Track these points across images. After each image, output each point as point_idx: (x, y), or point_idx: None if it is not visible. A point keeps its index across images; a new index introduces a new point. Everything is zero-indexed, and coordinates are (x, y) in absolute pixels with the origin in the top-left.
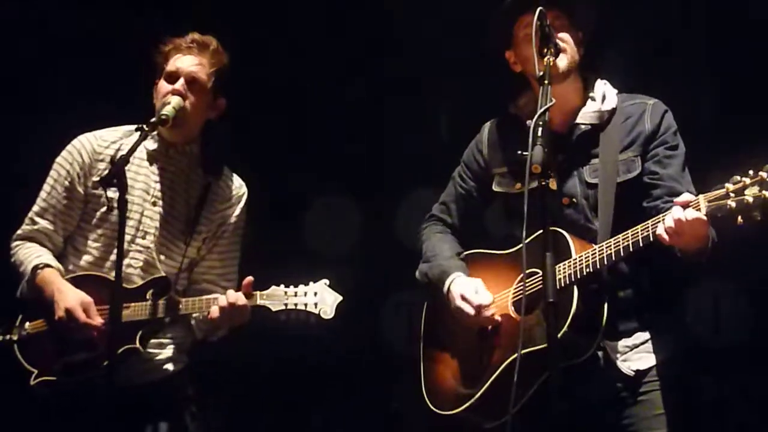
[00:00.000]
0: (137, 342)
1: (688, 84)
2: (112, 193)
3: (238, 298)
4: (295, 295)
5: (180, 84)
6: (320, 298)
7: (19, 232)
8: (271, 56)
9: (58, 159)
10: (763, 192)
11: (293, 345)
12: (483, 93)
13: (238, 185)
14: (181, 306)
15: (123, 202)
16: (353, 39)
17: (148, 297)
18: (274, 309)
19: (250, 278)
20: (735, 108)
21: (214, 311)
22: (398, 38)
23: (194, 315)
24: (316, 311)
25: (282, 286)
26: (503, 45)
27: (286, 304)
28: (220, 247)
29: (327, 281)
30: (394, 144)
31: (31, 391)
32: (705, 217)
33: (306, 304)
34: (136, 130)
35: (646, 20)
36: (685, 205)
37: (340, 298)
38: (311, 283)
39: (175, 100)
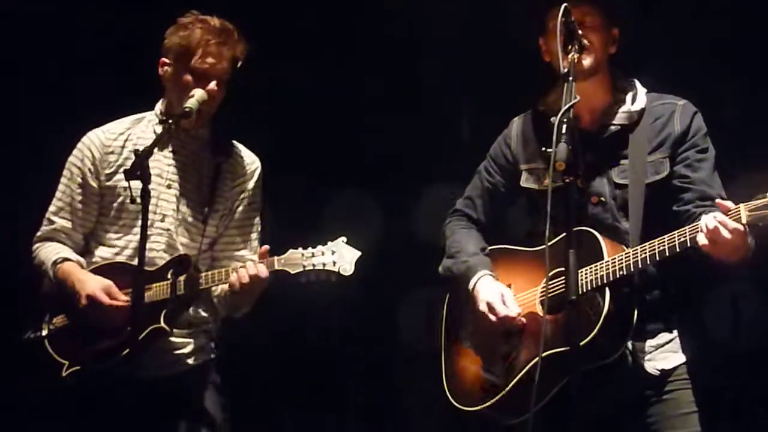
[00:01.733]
0: (162, 321)
1: (713, 85)
2: (135, 185)
3: (260, 270)
4: (313, 256)
5: (213, 86)
6: (338, 255)
7: (38, 234)
8: (289, 49)
9: (70, 158)
10: None
11: (313, 340)
12: (504, 89)
13: (251, 161)
14: (201, 280)
15: (146, 193)
16: (372, 32)
17: (168, 276)
18: (293, 272)
19: (265, 246)
20: (760, 111)
21: (234, 280)
22: (417, 35)
23: (215, 290)
24: (335, 269)
25: (300, 248)
26: (537, 32)
27: (304, 266)
28: (236, 222)
29: (345, 238)
30: (412, 138)
31: (64, 383)
32: (743, 228)
33: (324, 264)
34: (160, 122)
35: (672, 20)
36: (727, 210)
37: (359, 253)
38: (329, 242)
39: (199, 93)
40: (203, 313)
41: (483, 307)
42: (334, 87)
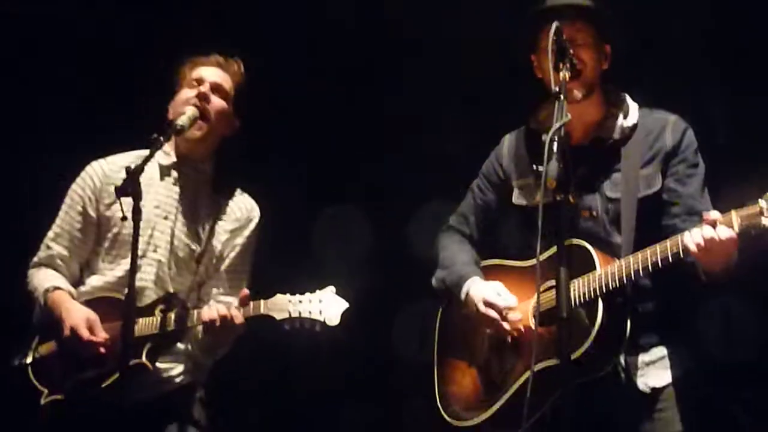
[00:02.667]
0: (144, 357)
1: (702, 102)
2: (126, 206)
3: (234, 314)
4: (300, 303)
5: (205, 87)
6: (326, 305)
7: (35, 258)
8: (282, 67)
9: (72, 186)
10: None
11: (305, 355)
12: (498, 105)
13: (250, 207)
14: (187, 319)
15: (137, 212)
16: (365, 50)
17: (156, 312)
18: (278, 318)
19: (245, 290)
20: (748, 128)
21: (205, 319)
22: (412, 49)
23: (192, 329)
24: (321, 318)
25: (287, 294)
26: (530, 48)
27: (290, 313)
28: (227, 268)
29: (333, 288)
30: (406, 153)
31: (42, 411)
32: (735, 236)
33: (311, 312)
34: (150, 140)
35: (665, 37)
36: (714, 223)
37: (347, 305)
38: (317, 291)
39: (190, 111)
40: (188, 347)
41: (481, 307)
42: (330, 105)
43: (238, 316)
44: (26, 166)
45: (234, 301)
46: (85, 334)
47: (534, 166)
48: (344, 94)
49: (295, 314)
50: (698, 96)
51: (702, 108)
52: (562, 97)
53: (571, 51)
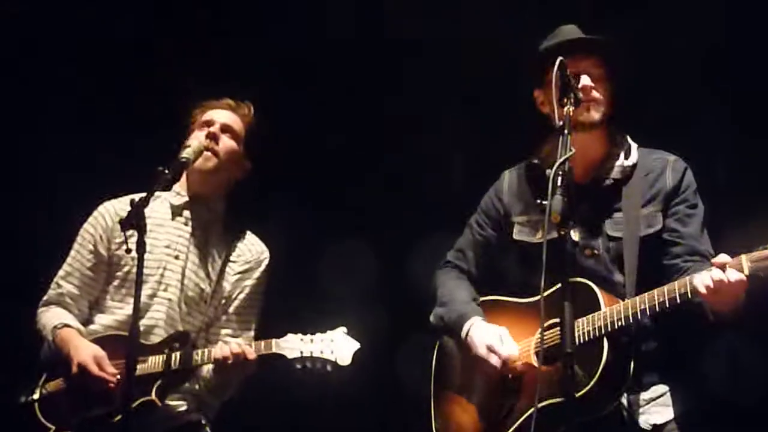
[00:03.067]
0: (153, 394)
1: (701, 143)
2: (131, 240)
3: (246, 350)
4: (312, 342)
5: (215, 128)
6: (337, 345)
7: (45, 297)
8: (281, 101)
9: (84, 225)
10: None
11: (308, 386)
12: (498, 138)
13: (260, 250)
14: (195, 357)
15: (142, 244)
16: (364, 80)
17: (165, 351)
18: (290, 357)
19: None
20: (746, 168)
21: (218, 357)
22: (412, 79)
23: (201, 369)
24: (332, 359)
25: (299, 334)
26: (532, 84)
27: (302, 352)
28: (236, 309)
29: (345, 329)
30: (408, 187)
31: None
32: (746, 278)
33: (322, 351)
34: (157, 172)
35: (663, 77)
36: (723, 266)
37: (358, 345)
38: (328, 331)
39: (195, 144)
40: (195, 386)
41: (482, 351)
42: (329, 137)
43: (251, 353)
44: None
45: (243, 341)
46: (94, 370)
47: (538, 201)
48: (347, 127)
49: (307, 353)
50: (699, 135)
51: (703, 147)
52: (566, 131)
53: (591, 84)
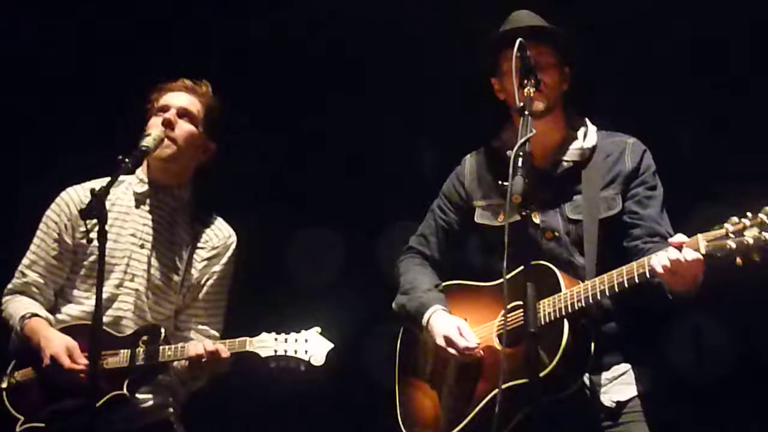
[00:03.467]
0: (125, 388)
1: (666, 120)
2: (93, 229)
3: (220, 349)
4: (286, 342)
5: (171, 113)
6: (311, 345)
7: (9, 286)
8: (253, 88)
9: (47, 212)
10: (763, 234)
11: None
12: (464, 124)
13: (227, 234)
14: (167, 353)
15: (103, 234)
16: (330, 65)
17: (139, 344)
18: (263, 355)
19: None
20: (708, 148)
21: (192, 355)
22: (377, 64)
23: (174, 363)
24: (306, 358)
25: (273, 333)
26: (490, 71)
27: (276, 351)
28: (205, 296)
29: (318, 329)
30: (378, 175)
31: None
32: (701, 258)
33: (296, 351)
34: (117, 162)
35: (626, 57)
36: (680, 246)
37: (332, 345)
38: (302, 331)
39: (155, 132)
40: (170, 378)
41: (441, 342)
42: (297, 126)
43: (225, 351)
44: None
45: (215, 330)
46: (66, 362)
47: (499, 182)
48: (315, 116)
49: (281, 352)
50: (661, 116)
51: (666, 128)
52: (527, 112)
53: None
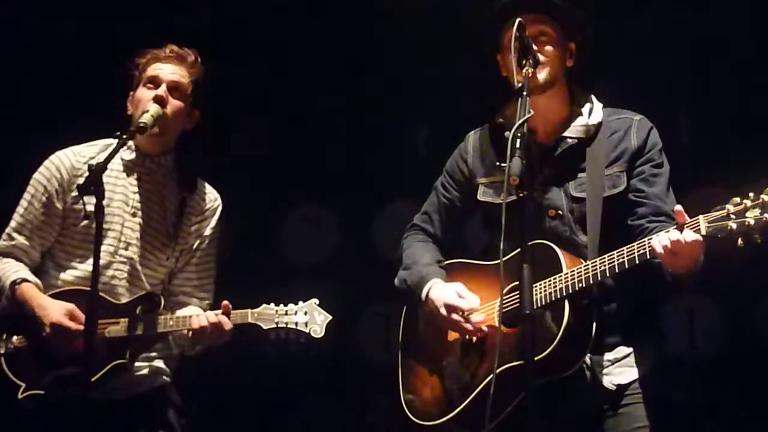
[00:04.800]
0: (126, 357)
1: (669, 100)
2: (90, 202)
3: (223, 321)
4: (286, 314)
5: (162, 90)
6: (310, 317)
7: None
8: (249, 66)
9: (36, 175)
10: (765, 215)
11: (271, 354)
12: (463, 103)
13: (213, 198)
14: (168, 323)
15: (100, 210)
16: (332, 48)
17: (138, 313)
18: (264, 327)
19: (227, 303)
20: (712, 127)
21: (196, 327)
22: (378, 47)
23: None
24: (306, 330)
25: (272, 304)
26: (494, 48)
27: (277, 323)
28: (196, 260)
29: (317, 301)
30: (372, 154)
31: (19, 404)
32: (702, 239)
33: (297, 323)
34: (114, 137)
35: (631, 35)
36: (682, 227)
37: (330, 317)
38: (301, 303)
39: (153, 108)
40: (166, 346)
41: (443, 311)
42: (292, 103)
43: (227, 323)
44: None
45: (207, 293)
46: (71, 325)
47: (498, 163)
48: (311, 94)
49: (282, 325)
50: (667, 95)
51: (669, 107)
52: (525, 93)
53: (535, 47)
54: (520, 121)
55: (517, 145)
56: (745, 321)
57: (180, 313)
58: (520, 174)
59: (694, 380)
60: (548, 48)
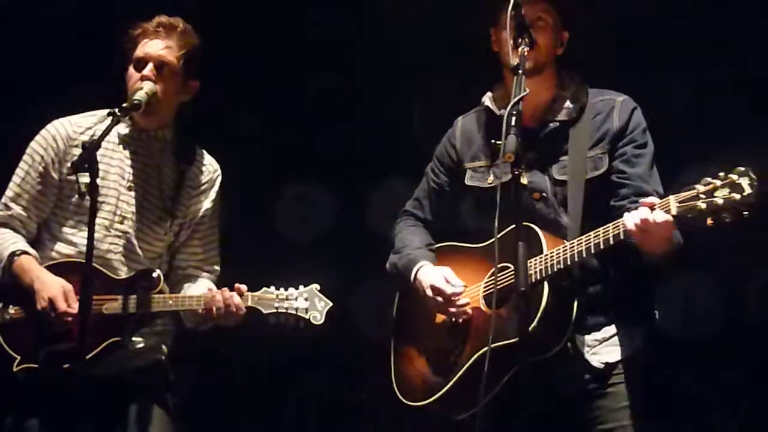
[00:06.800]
0: (124, 335)
1: (657, 79)
2: (84, 179)
3: (238, 303)
4: (287, 299)
5: (149, 69)
6: (311, 303)
7: None
8: (244, 44)
9: (32, 144)
10: (733, 194)
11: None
12: (457, 85)
13: (212, 170)
14: (171, 302)
15: (94, 187)
16: (326, 27)
17: (137, 290)
18: (265, 311)
19: (243, 285)
20: (705, 105)
21: (210, 304)
22: (371, 29)
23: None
24: (306, 316)
25: (273, 288)
26: (488, 22)
27: (276, 308)
28: (200, 233)
29: (318, 286)
30: (367, 134)
31: (13, 376)
32: (672, 219)
33: (297, 309)
34: (108, 114)
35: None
36: (653, 206)
37: (330, 304)
38: (301, 287)
39: (148, 86)
40: (164, 321)
41: (429, 292)
42: (286, 83)
43: (242, 307)
44: None
45: (212, 265)
46: (62, 306)
47: (492, 141)
48: (307, 74)
49: (282, 309)
50: (658, 74)
51: (661, 86)
52: (520, 71)
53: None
54: (516, 99)
55: (512, 123)
56: (738, 300)
57: (193, 289)
58: (515, 151)
59: (688, 360)
60: (542, 34)
